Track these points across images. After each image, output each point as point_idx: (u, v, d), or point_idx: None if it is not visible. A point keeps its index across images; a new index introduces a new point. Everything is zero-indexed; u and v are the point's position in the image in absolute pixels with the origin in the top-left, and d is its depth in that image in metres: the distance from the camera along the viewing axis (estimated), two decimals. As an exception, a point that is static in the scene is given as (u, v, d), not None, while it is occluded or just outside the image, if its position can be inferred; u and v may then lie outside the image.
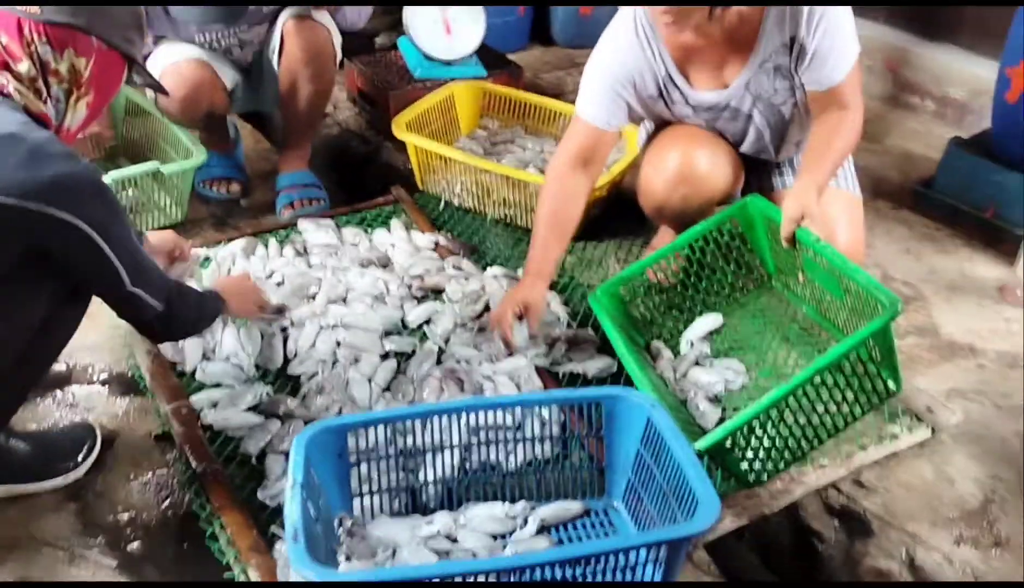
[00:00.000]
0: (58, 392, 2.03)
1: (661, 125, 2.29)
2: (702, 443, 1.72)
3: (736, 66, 2.07)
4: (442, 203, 2.76)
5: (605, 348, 2.15)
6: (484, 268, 2.44)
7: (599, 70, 2.15)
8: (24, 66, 1.54)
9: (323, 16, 2.61)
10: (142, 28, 1.71)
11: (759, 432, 1.75)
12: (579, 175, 2.17)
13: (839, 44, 1.98)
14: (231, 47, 2.65)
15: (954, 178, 2.73)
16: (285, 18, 2.61)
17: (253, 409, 1.97)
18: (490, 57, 3.27)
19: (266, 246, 2.48)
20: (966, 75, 3.21)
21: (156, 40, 2.58)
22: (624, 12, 2.13)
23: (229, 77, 2.64)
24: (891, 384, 1.81)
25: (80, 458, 1.84)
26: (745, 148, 2.24)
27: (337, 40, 2.69)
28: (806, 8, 1.95)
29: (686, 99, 2.13)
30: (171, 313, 1.70)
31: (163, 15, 2.55)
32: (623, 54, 2.11)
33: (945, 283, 2.51)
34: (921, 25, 3.32)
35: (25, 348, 1.58)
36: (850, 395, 1.78)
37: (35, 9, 1.54)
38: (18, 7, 1.54)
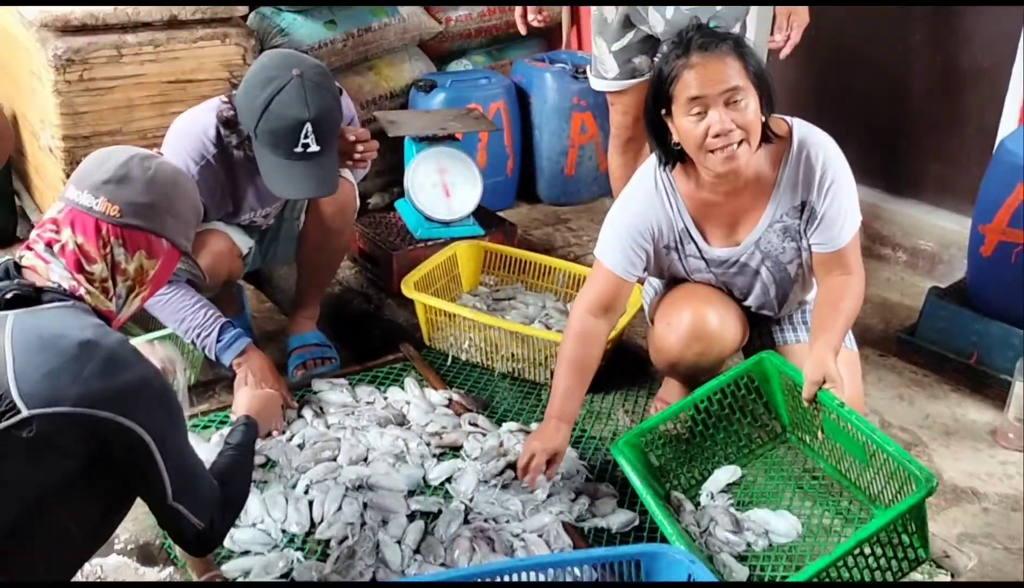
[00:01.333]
0: (86, 566, 2.01)
1: (669, 284, 2.41)
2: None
3: (748, 225, 2.21)
4: (449, 359, 2.83)
5: (623, 501, 2.20)
6: (497, 423, 2.49)
7: (621, 220, 2.27)
8: (98, 268, 1.59)
9: (347, 172, 2.70)
10: (199, 223, 1.80)
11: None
12: (600, 320, 2.26)
13: (845, 209, 2.14)
14: (264, 219, 2.75)
15: (936, 326, 2.88)
16: None
17: (285, 576, 1.97)
18: (484, 216, 3.41)
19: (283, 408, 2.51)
20: (933, 228, 3.43)
21: None
22: (645, 168, 2.27)
23: (244, 243, 2.72)
24: (921, 552, 1.87)
25: (114, 637, 1.81)
26: (750, 302, 2.36)
27: (357, 196, 2.80)
28: (818, 173, 2.11)
29: (700, 253, 2.26)
30: (212, 530, 1.66)
31: (227, 203, 2.57)
32: (643, 205, 2.24)
33: (940, 428, 2.62)
34: (889, 182, 3.55)
35: (84, 542, 1.59)
36: (884, 563, 1.84)
37: (114, 211, 1.60)
38: (96, 208, 1.59)
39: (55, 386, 1.42)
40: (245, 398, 2.21)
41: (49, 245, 1.60)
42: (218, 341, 2.44)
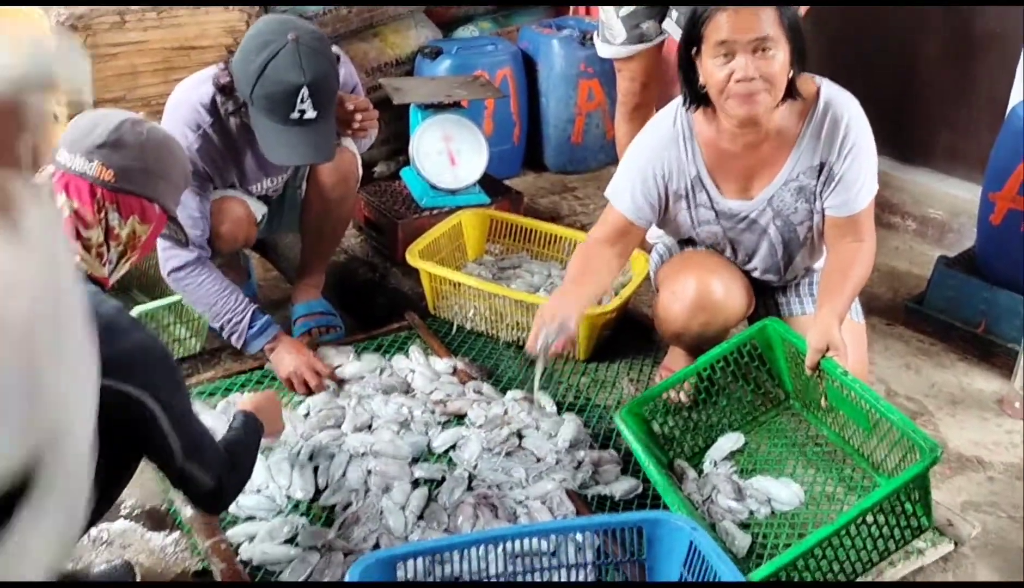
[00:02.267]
0: (92, 530, 2.03)
1: (676, 248, 2.40)
2: (760, 572, 1.75)
3: (764, 180, 2.19)
4: (454, 327, 2.83)
5: (627, 468, 2.20)
6: (502, 391, 2.49)
7: (635, 161, 2.26)
8: (95, 233, 1.60)
9: (349, 141, 2.69)
10: (187, 186, 1.80)
11: (801, 564, 1.79)
12: (609, 250, 2.25)
13: (864, 174, 2.12)
14: (274, 191, 2.75)
15: (944, 295, 2.86)
16: None
17: (290, 541, 1.98)
18: (491, 185, 3.39)
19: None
20: (943, 196, 3.40)
21: None
22: (666, 110, 2.25)
23: (258, 210, 2.71)
24: (924, 521, 1.87)
25: (120, 599, 1.83)
26: (755, 264, 2.34)
27: (360, 165, 2.79)
28: (841, 135, 2.09)
29: (711, 203, 2.24)
30: (222, 488, 1.69)
31: (230, 171, 2.55)
32: (659, 144, 2.22)
33: (946, 397, 2.61)
34: (899, 150, 3.51)
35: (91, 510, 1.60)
36: (887, 531, 1.84)
37: (109, 175, 1.60)
38: (90, 172, 1.59)
39: None
40: (252, 402, 2.15)
41: None
42: (250, 327, 2.46)
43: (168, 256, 2.44)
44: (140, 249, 1.70)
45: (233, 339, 2.49)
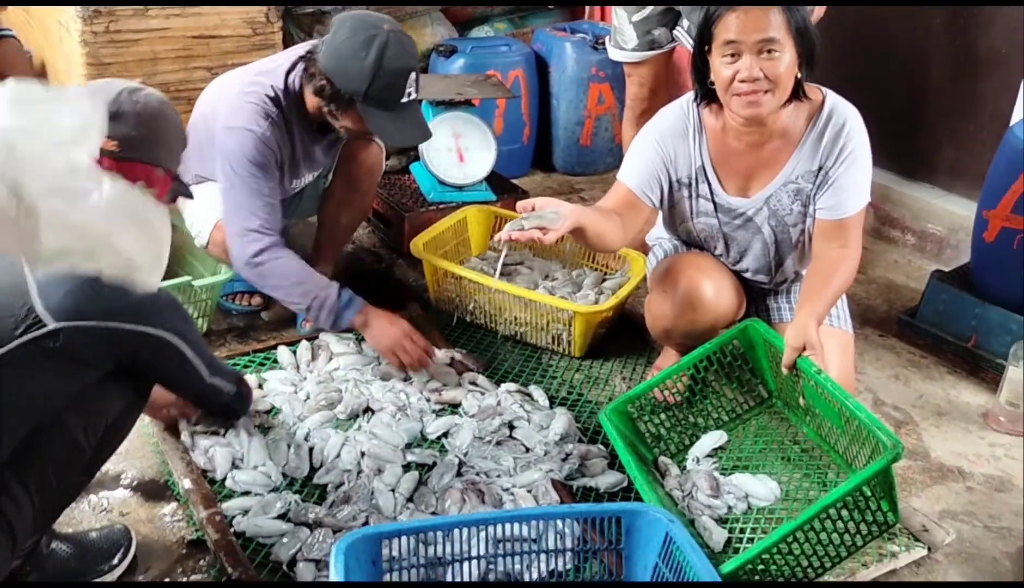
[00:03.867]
0: (92, 497, 2.10)
1: (671, 253, 2.46)
2: (727, 566, 1.80)
3: (764, 180, 2.26)
4: (455, 319, 2.90)
5: (615, 463, 2.26)
6: (497, 383, 2.56)
7: (646, 141, 2.33)
8: None
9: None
10: (185, 145, 1.88)
11: (766, 558, 1.85)
12: (616, 217, 2.26)
13: (858, 181, 2.19)
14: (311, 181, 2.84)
15: (937, 309, 2.91)
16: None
17: (282, 517, 2.05)
18: (498, 182, 3.46)
19: (295, 354, 2.61)
20: (943, 212, 3.44)
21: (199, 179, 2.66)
22: (679, 100, 2.33)
23: None
24: (890, 516, 1.92)
25: (116, 560, 1.91)
26: (746, 264, 2.40)
27: (384, 159, 2.90)
28: (841, 142, 2.17)
29: (712, 195, 2.31)
30: (241, 391, 1.99)
31: (285, 163, 2.59)
32: (670, 130, 2.30)
33: (932, 409, 2.66)
34: (902, 165, 3.56)
35: (96, 447, 1.69)
36: (852, 527, 1.89)
37: (113, 146, 1.66)
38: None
39: (78, 302, 1.57)
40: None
41: None
42: (338, 299, 2.47)
43: (247, 241, 2.44)
44: None
45: (323, 315, 2.46)
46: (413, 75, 2.40)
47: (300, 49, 2.58)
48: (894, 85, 3.53)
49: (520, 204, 2.12)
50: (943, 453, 2.47)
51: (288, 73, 2.51)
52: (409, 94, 2.41)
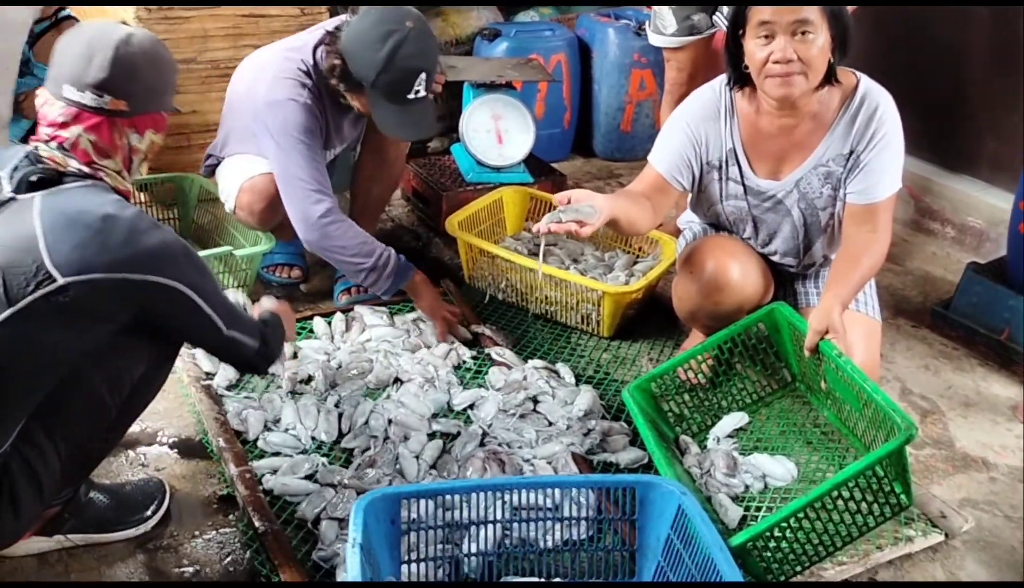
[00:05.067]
0: (131, 452, 2.20)
1: (700, 236, 2.48)
2: (735, 539, 1.83)
3: (795, 162, 2.28)
4: (487, 297, 2.95)
5: (637, 440, 2.30)
6: (525, 360, 2.61)
7: (677, 123, 2.36)
8: (119, 158, 1.74)
9: None
10: (177, 76, 1.91)
11: (778, 534, 1.87)
12: (645, 199, 2.30)
13: (889, 166, 2.19)
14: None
15: (971, 301, 2.89)
16: None
17: (310, 477, 2.12)
18: (536, 165, 3.50)
19: (330, 325, 2.70)
20: (984, 205, 3.41)
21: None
22: (713, 82, 2.36)
23: None
24: (903, 498, 1.93)
25: (150, 512, 2.00)
26: (775, 246, 2.42)
27: None
28: (873, 126, 2.17)
29: (742, 178, 2.33)
30: (266, 345, 1.92)
31: (323, 132, 2.65)
32: (703, 113, 2.33)
33: (961, 399, 2.65)
34: (943, 157, 3.53)
35: (123, 405, 1.76)
36: (864, 507, 1.90)
37: (123, 106, 1.71)
38: (106, 106, 1.69)
39: (85, 256, 1.59)
40: (273, 306, 2.24)
41: (62, 146, 1.71)
42: (399, 260, 2.59)
43: (312, 203, 2.50)
44: (156, 150, 1.84)
45: (384, 274, 2.54)
46: (423, 75, 2.48)
47: (328, 25, 2.65)
48: (936, 77, 3.50)
49: (557, 197, 2.17)
50: (968, 443, 2.47)
51: (315, 49, 2.59)
52: (417, 92, 2.49)
